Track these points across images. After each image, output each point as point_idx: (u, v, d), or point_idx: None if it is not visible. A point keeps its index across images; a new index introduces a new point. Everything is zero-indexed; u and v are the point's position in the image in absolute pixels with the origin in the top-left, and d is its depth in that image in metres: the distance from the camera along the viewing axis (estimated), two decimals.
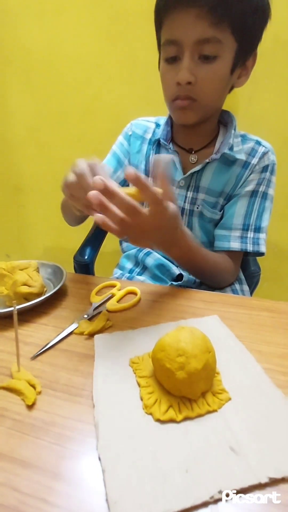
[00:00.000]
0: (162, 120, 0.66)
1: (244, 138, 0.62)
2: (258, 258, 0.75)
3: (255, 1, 0.47)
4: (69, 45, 1.05)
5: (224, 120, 0.63)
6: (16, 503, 0.22)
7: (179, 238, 0.48)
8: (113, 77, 1.04)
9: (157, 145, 0.65)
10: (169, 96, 0.54)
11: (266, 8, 0.49)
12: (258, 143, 0.61)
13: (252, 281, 0.71)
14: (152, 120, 0.69)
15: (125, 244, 0.75)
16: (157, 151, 0.65)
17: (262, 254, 0.62)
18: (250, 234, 0.60)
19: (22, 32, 1.07)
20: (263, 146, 0.61)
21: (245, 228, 0.60)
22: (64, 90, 1.11)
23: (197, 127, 0.59)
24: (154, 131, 0.67)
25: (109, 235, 0.88)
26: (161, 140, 0.63)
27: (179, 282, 0.62)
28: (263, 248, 0.61)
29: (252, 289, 0.71)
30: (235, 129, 0.60)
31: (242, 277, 0.68)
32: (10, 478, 0.24)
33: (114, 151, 0.71)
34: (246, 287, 0.68)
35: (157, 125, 0.68)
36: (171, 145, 0.63)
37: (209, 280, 0.61)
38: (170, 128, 0.65)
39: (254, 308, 0.46)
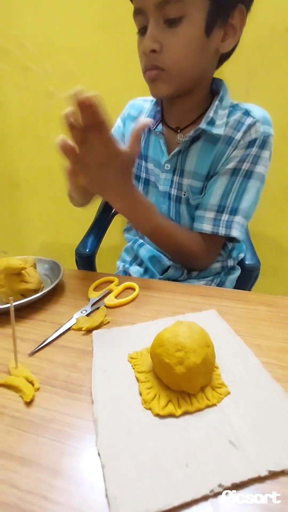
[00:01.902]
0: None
1: (234, 108, 0.55)
2: (257, 251, 0.74)
3: None
4: (65, 36, 1.03)
5: (218, 91, 0.55)
6: (16, 500, 0.22)
7: (130, 193, 0.48)
8: (110, 68, 1.03)
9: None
10: (142, 69, 0.52)
11: None
12: (247, 113, 0.53)
13: (251, 275, 0.71)
14: (149, 99, 0.66)
15: (126, 236, 0.74)
16: (147, 133, 0.63)
17: (236, 239, 0.56)
18: (225, 217, 0.55)
19: (17, 23, 1.05)
20: (251, 116, 0.52)
21: (220, 210, 0.55)
22: (60, 82, 1.09)
23: (183, 101, 0.55)
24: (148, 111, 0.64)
25: (110, 228, 0.88)
26: None
27: (165, 274, 0.62)
28: (235, 232, 0.54)
29: (251, 284, 0.71)
30: (221, 100, 0.54)
31: (231, 264, 0.66)
32: (9, 476, 0.24)
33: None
34: (232, 277, 0.66)
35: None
36: (159, 126, 0.59)
37: (176, 256, 0.60)
38: (160, 108, 0.61)
39: (252, 303, 0.46)
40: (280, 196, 1.03)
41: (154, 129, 0.60)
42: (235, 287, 0.69)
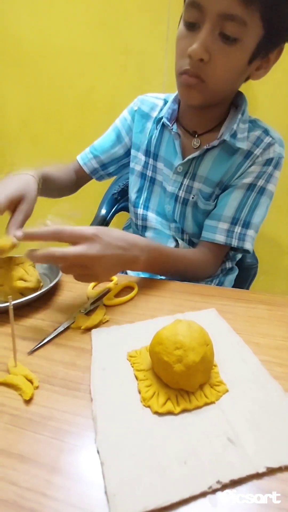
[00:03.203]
0: (172, 97, 0.61)
1: (253, 124, 0.57)
2: (256, 250, 0.75)
3: None
4: (62, 35, 1.03)
5: (236, 102, 0.58)
6: (15, 497, 0.22)
7: (133, 259, 0.47)
8: (108, 68, 1.03)
9: (162, 124, 0.62)
10: (178, 67, 0.49)
11: None
12: (266, 132, 0.56)
13: (249, 273, 0.71)
14: (161, 97, 0.65)
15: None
16: (161, 131, 0.62)
17: (247, 251, 0.59)
18: (238, 229, 0.57)
19: (14, 21, 1.05)
20: (271, 136, 0.56)
21: (234, 222, 0.57)
22: (58, 82, 1.09)
23: (205, 109, 0.55)
24: (161, 109, 0.63)
25: (110, 227, 0.88)
26: (164, 120, 0.60)
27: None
28: (248, 245, 0.57)
29: (249, 281, 0.72)
30: (243, 114, 0.56)
31: (230, 266, 0.67)
32: (8, 473, 0.24)
33: (115, 125, 0.69)
34: (231, 277, 0.67)
35: (166, 102, 0.63)
36: (174, 126, 0.59)
37: (183, 278, 0.60)
38: (177, 106, 0.61)
39: (251, 301, 0.46)
40: (279, 195, 1.03)
41: (171, 128, 0.59)
42: (234, 287, 0.69)
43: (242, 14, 0.42)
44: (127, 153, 0.69)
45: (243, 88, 0.57)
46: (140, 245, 0.49)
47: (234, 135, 0.55)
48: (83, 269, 0.42)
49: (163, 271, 0.56)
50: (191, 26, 0.46)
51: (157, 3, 0.92)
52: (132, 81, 1.02)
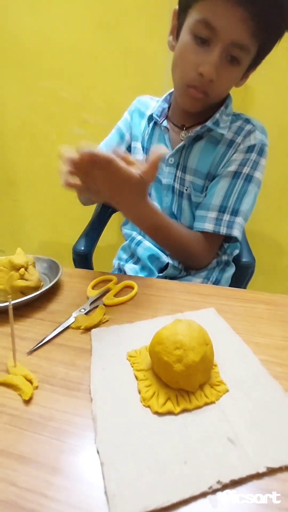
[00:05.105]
0: (162, 97, 0.66)
1: (236, 117, 0.61)
2: (253, 249, 0.75)
3: (285, 26, 0.49)
4: (62, 35, 1.02)
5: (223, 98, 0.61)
6: (15, 498, 0.22)
7: (145, 208, 0.51)
8: (108, 68, 1.03)
9: (154, 121, 0.65)
10: (186, 79, 0.53)
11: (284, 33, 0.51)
12: (247, 121, 0.59)
13: (246, 272, 0.71)
14: (155, 99, 0.70)
15: (124, 231, 0.75)
16: (152, 127, 0.65)
17: (236, 239, 0.60)
18: (226, 217, 0.58)
19: (13, 21, 1.05)
20: (251, 124, 0.58)
21: (222, 210, 0.58)
22: (58, 81, 1.09)
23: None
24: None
25: (108, 226, 0.88)
26: (154, 115, 0.63)
27: (164, 272, 0.62)
28: (235, 232, 0.58)
29: (246, 280, 0.71)
30: (226, 107, 0.59)
31: (225, 258, 0.67)
32: (8, 474, 0.24)
33: (118, 126, 0.72)
34: (228, 275, 0.68)
35: None
36: (164, 122, 0.63)
37: (178, 256, 0.62)
38: (167, 106, 0.65)
39: (250, 301, 0.46)
40: (277, 194, 1.04)
41: (161, 123, 0.63)
42: (231, 285, 0.69)
43: (249, 43, 0.49)
44: (129, 149, 0.71)
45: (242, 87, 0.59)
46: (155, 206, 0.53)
47: (217, 124, 0.58)
48: (104, 174, 0.42)
49: (162, 230, 0.57)
50: (201, 41, 0.50)
51: (157, 3, 0.92)
52: (132, 81, 1.02)
